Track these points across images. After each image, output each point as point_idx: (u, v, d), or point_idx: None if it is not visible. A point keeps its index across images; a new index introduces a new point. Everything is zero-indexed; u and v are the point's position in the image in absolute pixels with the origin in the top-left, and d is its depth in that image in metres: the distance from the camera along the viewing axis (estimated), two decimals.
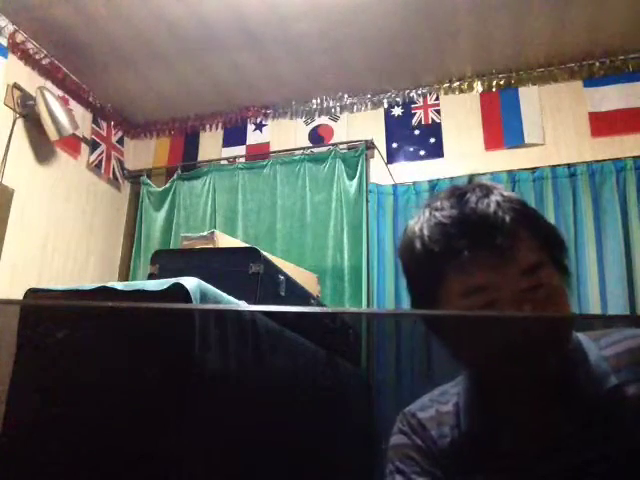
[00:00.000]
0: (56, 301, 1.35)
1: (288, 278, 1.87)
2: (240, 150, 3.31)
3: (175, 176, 3.30)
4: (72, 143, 3.03)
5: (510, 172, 2.76)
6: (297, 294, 1.98)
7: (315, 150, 3.13)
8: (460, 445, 0.76)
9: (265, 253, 1.77)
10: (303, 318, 1.64)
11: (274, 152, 3.22)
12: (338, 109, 3.20)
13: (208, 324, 1.21)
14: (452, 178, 2.77)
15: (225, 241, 2.09)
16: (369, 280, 2.76)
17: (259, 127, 3.32)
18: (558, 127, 2.85)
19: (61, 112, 2.71)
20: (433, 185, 2.84)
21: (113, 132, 3.37)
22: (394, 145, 3.07)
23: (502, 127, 2.92)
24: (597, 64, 2.83)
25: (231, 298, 1.40)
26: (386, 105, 3.13)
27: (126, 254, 3.30)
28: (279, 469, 1.42)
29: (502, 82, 2.97)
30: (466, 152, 2.93)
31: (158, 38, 2.75)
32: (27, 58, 2.79)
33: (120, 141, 3.44)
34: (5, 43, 2.66)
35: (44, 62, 2.86)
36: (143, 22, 2.64)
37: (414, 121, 3.07)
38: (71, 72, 3.03)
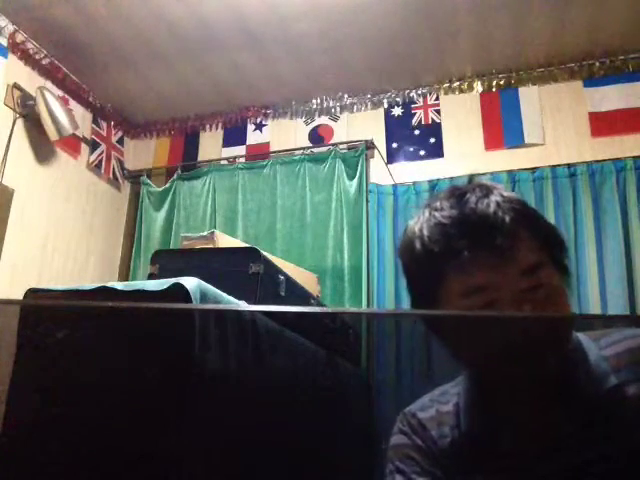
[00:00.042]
0: (56, 301, 1.35)
1: (288, 278, 1.87)
2: (240, 150, 3.31)
3: (175, 176, 3.30)
4: (72, 143, 3.03)
5: (510, 172, 2.76)
6: (297, 294, 1.98)
7: (315, 150, 3.13)
8: (460, 445, 0.76)
9: (265, 253, 1.77)
10: (303, 318, 1.64)
11: (274, 152, 3.22)
12: (338, 109, 3.20)
13: (208, 324, 1.21)
14: (452, 178, 2.76)
15: (225, 241, 2.09)
16: (369, 280, 2.76)
17: (259, 127, 3.32)
18: (558, 127, 2.85)
19: (61, 112, 2.71)
20: (433, 185, 2.84)
21: (113, 132, 3.37)
22: (394, 145, 3.07)
23: (502, 127, 2.92)
24: (597, 64, 2.83)
25: (231, 298, 1.40)
26: (386, 105, 3.13)
27: (126, 254, 3.30)
28: (279, 469, 1.42)
29: (502, 82, 2.97)
30: (466, 152, 2.93)
31: (158, 38, 2.75)
32: (27, 58, 2.79)
33: (120, 141, 3.44)
34: (5, 43, 2.66)
35: (44, 62, 2.86)
36: (143, 22, 2.64)
37: (414, 121, 3.07)
38: (71, 72, 3.03)
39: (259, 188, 3.13)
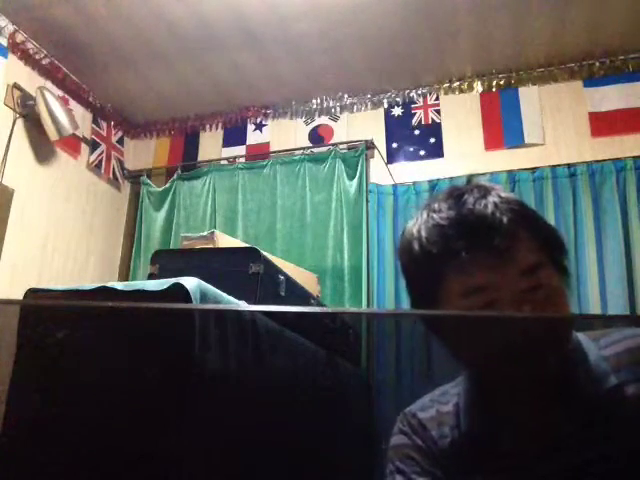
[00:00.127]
0: (56, 301, 1.35)
1: (288, 278, 1.87)
2: (240, 150, 3.31)
3: (175, 176, 3.30)
4: (72, 143, 3.03)
5: (510, 172, 2.76)
6: (297, 294, 1.98)
7: (315, 150, 3.13)
8: (460, 445, 0.76)
9: (265, 253, 1.77)
10: (303, 318, 1.64)
11: (274, 152, 3.22)
12: (338, 109, 3.20)
13: (208, 324, 1.21)
14: (452, 178, 2.77)
15: (225, 241, 2.09)
16: (369, 280, 2.76)
17: (259, 127, 3.32)
18: (558, 127, 2.85)
19: (61, 112, 2.71)
20: (433, 185, 2.84)
21: (113, 132, 3.37)
22: (394, 145, 3.07)
23: (502, 127, 2.92)
24: (597, 64, 2.83)
25: (231, 298, 1.40)
26: (386, 105, 3.13)
27: (126, 254, 3.30)
28: (279, 469, 1.42)
29: (502, 82, 2.97)
30: (466, 152, 2.93)
31: (158, 38, 2.75)
32: (27, 58, 2.79)
33: (120, 141, 3.44)
34: (5, 43, 2.66)
35: (44, 62, 2.86)
36: (143, 22, 2.64)
37: (414, 121, 3.07)
38: (71, 72, 3.03)
39: (259, 188, 3.13)
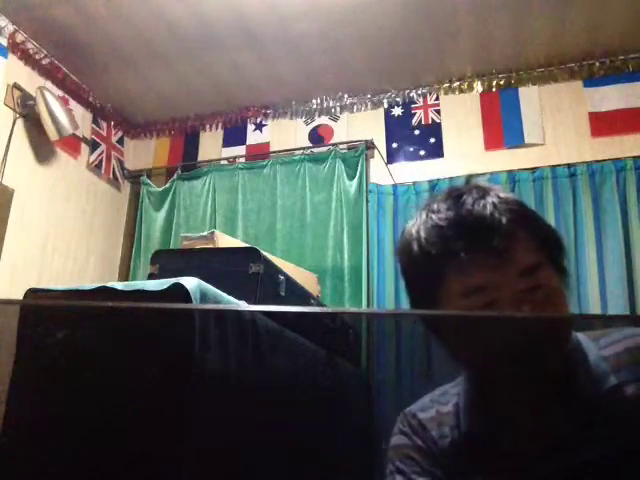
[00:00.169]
0: (56, 301, 1.35)
1: (288, 278, 1.87)
2: (240, 150, 3.31)
3: (175, 176, 3.30)
4: (72, 143, 3.03)
5: (510, 172, 2.76)
6: (297, 294, 1.98)
7: (315, 150, 3.13)
8: (460, 445, 0.76)
9: (265, 253, 1.77)
10: (303, 318, 1.64)
11: (274, 152, 3.22)
12: (338, 109, 3.20)
13: (208, 324, 1.21)
14: (452, 178, 2.77)
15: (225, 241, 2.09)
16: (369, 280, 2.76)
17: (259, 127, 3.32)
18: (558, 127, 2.85)
19: (61, 112, 2.71)
20: (433, 185, 2.84)
21: (113, 132, 3.37)
22: (394, 145, 3.07)
23: (502, 127, 2.92)
24: (597, 64, 2.83)
25: (231, 298, 1.40)
26: (386, 105, 3.13)
27: (126, 254, 3.30)
28: (279, 469, 1.42)
29: (502, 82, 2.97)
30: (466, 152, 2.93)
31: (158, 38, 2.75)
32: (27, 58, 2.79)
33: (120, 141, 3.44)
34: (5, 43, 2.66)
35: (44, 62, 2.86)
36: (143, 22, 2.64)
37: (414, 121, 3.07)
38: (71, 72, 3.03)
39: (259, 188, 3.13)
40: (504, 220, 0.68)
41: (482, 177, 2.65)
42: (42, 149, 2.84)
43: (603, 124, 2.77)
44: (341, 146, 3.10)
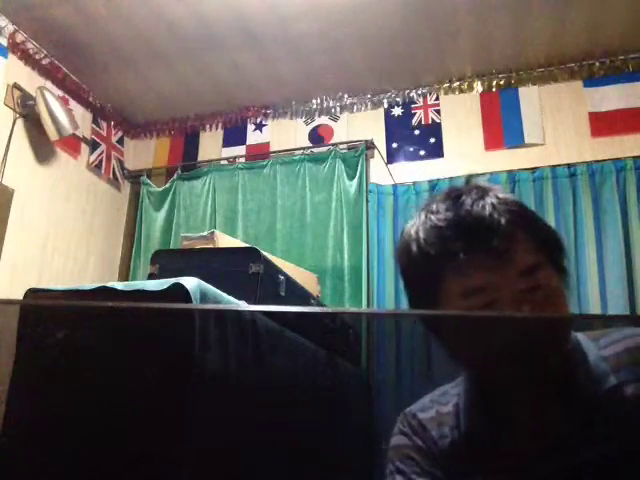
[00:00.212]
0: (56, 301, 1.35)
1: (288, 278, 1.87)
2: (240, 150, 3.31)
3: (175, 176, 3.30)
4: (72, 143, 3.03)
5: (510, 172, 2.76)
6: (297, 294, 1.98)
7: (315, 150, 3.13)
8: (460, 446, 0.76)
9: (265, 253, 1.77)
10: (303, 318, 1.64)
11: (274, 152, 3.22)
12: (338, 109, 3.20)
13: (208, 324, 1.21)
14: (452, 178, 2.77)
15: (225, 241, 2.09)
16: (369, 280, 2.76)
17: (259, 127, 3.32)
18: (558, 127, 2.85)
19: (61, 112, 2.71)
20: (433, 185, 2.84)
21: (113, 132, 3.37)
22: (394, 145, 3.07)
23: (502, 127, 2.92)
24: (597, 64, 2.83)
25: (231, 298, 1.40)
26: (386, 105, 3.13)
27: (126, 254, 3.30)
28: (279, 469, 1.42)
29: (502, 82, 2.97)
30: (466, 152, 2.93)
31: (158, 38, 2.75)
32: (27, 58, 2.79)
33: (120, 141, 3.44)
34: (5, 43, 2.66)
35: (44, 62, 2.86)
36: (143, 22, 2.64)
37: (414, 121, 3.07)
38: (71, 72, 3.03)
39: (259, 188, 3.13)
40: (503, 221, 0.68)
41: (482, 177, 2.65)
42: (42, 149, 2.84)
43: (603, 124, 2.77)
44: (341, 146, 3.10)
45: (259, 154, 3.25)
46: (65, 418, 1.18)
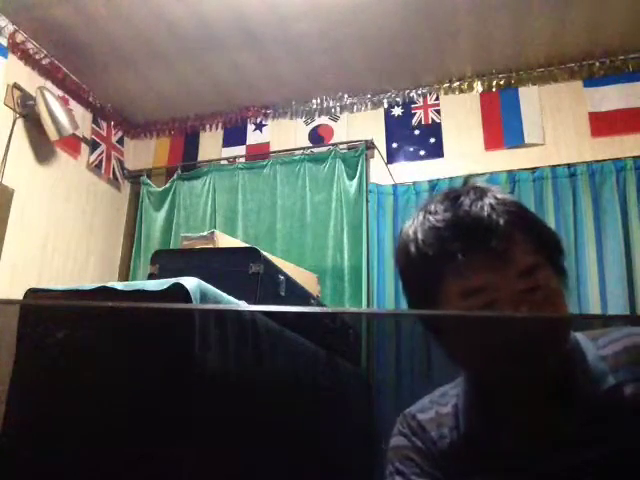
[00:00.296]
0: (56, 301, 1.35)
1: (288, 278, 1.87)
2: (240, 150, 3.31)
3: (175, 176, 3.30)
4: (72, 143, 3.03)
5: (510, 172, 2.76)
6: (297, 294, 1.98)
7: (315, 150, 3.13)
8: (459, 446, 0.76)
9: (265, 253, 1.77)
10: (303, 318, 1.64)
11: (274, 152, 3.22)
12: (338, 109, 3.20)
13: (208, 324, 1.21)
14: (452, 178, 2.77)
15: (225, 241, 2.09)
16: (369, 280, 2.76)
17: (259, 127, 3.32)
18: (558, 127, 2.85)
19: (61, 112, 2.71)
20: (433, 185, 2.84)
21: (113, 132, 3.37)
22: (394, 145, 3.07)
23: (502, 127, 2.92)
24: (597, 64, 2.83)
25: (231, 298, 1.40)
26: (386, 105, 3.13)
27: (126, 254, 3.31)
28: (279, 469, 1.42)
29: (502, 82, 2.97)
30: (466, 152, 2.93)
31: (158, 38, 2.75)
32: (27, 58, 2.79)
33: (120, 141, 3.44)
34: (5, 43, 2.66)
35: (44, 62, 2.86)
36: (143, 22, 2.64)
37: (414, 121, 3.07)
38: (71, 72, 3.03)
39: (259, 188, 3.13)
40: (502, 221, 0.68)
41: (482, 177, 2.65)
42: (42, 149, 2.84)
43: (603, 124, 2.77)
44: (341, 146, 3.10)
45: (259, 154, 3.25)
46: (65, 418, 1.18)
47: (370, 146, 3.04)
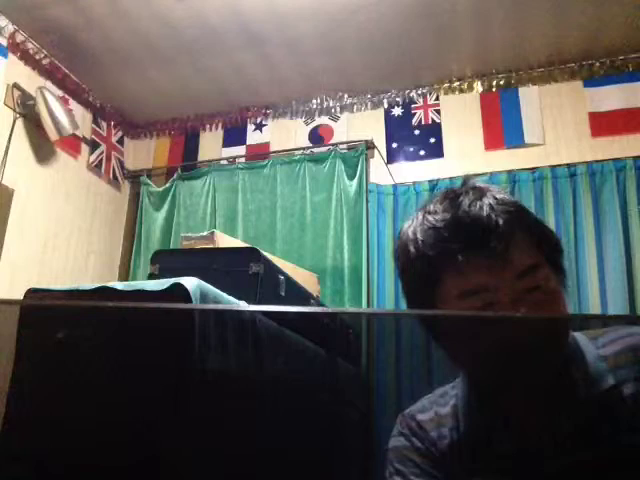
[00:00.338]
0: (56, 301, 1.35)
1: (288, 278, 1.88)
2: (240, 150, 3.31)
3: (175, 176, 3.30)
4: (72, 143, 3.03)
5: (510, 172, 2.76)
6: (297, 294, 1.98)
7: (315, 150, 3.13)
8: (459, 446, 0.76)
9: (265, 253, 1.77)
10: (303, 318, 1.64)
11: (274, 152, 3.22)
12: (338, 109, 3.20)
13: (208, 324, 1.21)
14: (452, 178, 2.76)
15: (225, 241, 2.09)
16: (369, 280, 2.75)
17: (259, 127, 3.32)
18: (558, 127, 2.85)
19: (61, 112, 2.71)
20: (433, 185, 2.84)
21: (113, 132, 3.37)
22: (394, 145, 3.07)
23: (502, 127, 2.92)
24: (597, 64, 2.83)
25: (231, 298, 1.40)
26: (386, 105, 3.13)
27: (126, 254, 3.30)
28: (279, 469, 1.42)
29: (502, 82, 2.97)
30: (466, 152, 2.93)
31: (158, 38, 2.75)
32: (27, 58, 2.79)
33: (120, 141, 3.44)
34: (5, 43, 2.66)
35: (44, 62, 2.86)
36: (143, 22, 2.64)
37: (414, 121, 3.07)
38: (71, 72, 3.03)
39: (259, 188, 3.13)
40: (501, 221, 0.67)
41: (482, 177, 2.65)
42: (42, 149, 2.84)
43: (603, 124, 2.77)
44: (341, 146, 3.09)
45: (259, 154, 3.25)
46: (65, 418, 1.18)
47: (370, 146, 3.04)
